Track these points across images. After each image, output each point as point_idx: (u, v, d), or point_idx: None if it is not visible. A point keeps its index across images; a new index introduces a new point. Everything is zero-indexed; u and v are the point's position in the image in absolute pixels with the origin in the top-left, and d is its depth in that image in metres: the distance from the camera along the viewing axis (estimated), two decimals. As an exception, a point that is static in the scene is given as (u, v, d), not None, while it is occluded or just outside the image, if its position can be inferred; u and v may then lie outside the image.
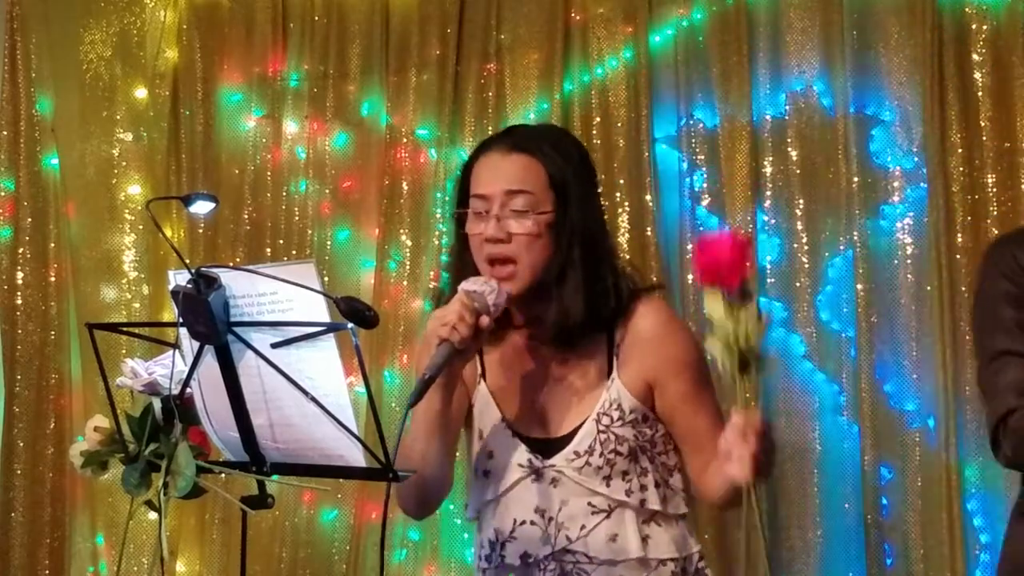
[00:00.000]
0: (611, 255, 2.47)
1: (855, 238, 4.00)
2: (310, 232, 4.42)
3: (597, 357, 2.46)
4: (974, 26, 3.99)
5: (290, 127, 4.48)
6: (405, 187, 4.38)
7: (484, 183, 2.44)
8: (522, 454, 2.46)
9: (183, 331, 2.33)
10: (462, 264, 2.48)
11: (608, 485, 2.43)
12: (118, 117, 4.54)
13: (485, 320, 2.35)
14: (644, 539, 2.44)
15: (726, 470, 2.23)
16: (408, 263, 4.35)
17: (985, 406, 2.62)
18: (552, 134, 2.60)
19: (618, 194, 4.16)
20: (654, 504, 2.44)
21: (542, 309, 2.44)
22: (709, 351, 2.21)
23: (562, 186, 2.42)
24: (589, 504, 2.43)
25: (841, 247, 4.05)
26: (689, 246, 4.11)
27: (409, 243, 4.35)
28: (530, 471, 2.46)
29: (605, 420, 2.43)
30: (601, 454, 2.42)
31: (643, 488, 2.44)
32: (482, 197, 2.43)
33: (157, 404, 2.43)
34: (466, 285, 2.37)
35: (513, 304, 2.44)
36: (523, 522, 2.45)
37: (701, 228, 4.14)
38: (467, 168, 2.49)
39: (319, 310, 2.21)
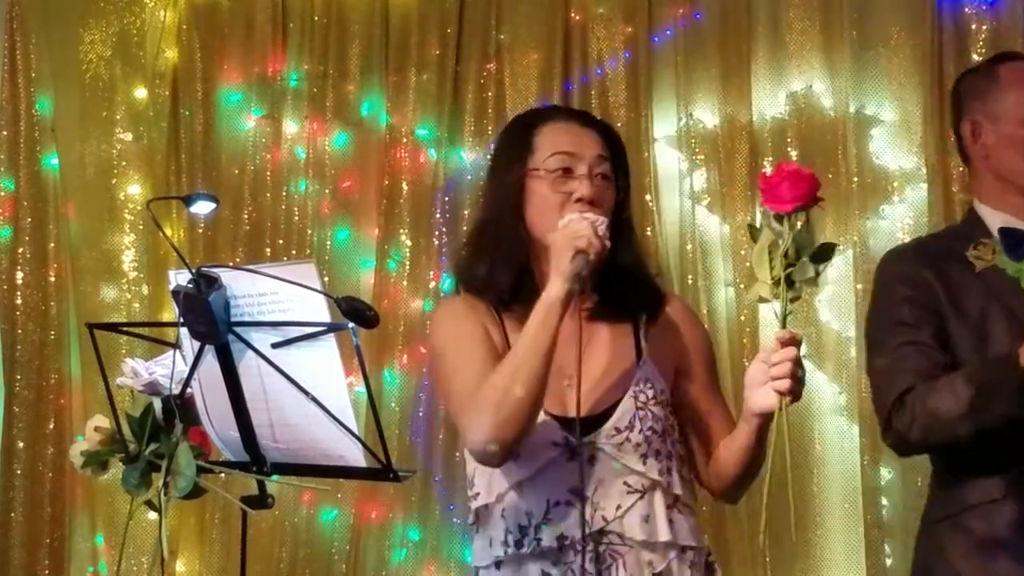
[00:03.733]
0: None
1: (855, 238, 4.00)
2: (310, 232, 4.42)
3: (624, 339, 2.47)
4: (974, 26, 3.99)
5: (290, 127, 4.48)
6: (405, 187, 4.38)
7: (572, 143, 2.43)
8: (555, 432, 2.39)
9: (183, 331, 2.33)
10: (516, 241, 2.43)
11: (644, 463, 2.40)
12: (118, 117, 4.54)
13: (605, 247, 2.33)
14: (671, 522, 2.42)
15: (754, 402, 2.27)
16: (408, 263, 4.34)
17: (877, 395, 2.72)
18: (610, 125, 2.64)
19: (618, 194, 4.16)
20: (676, 488, 2.43)
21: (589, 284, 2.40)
22: (753, 263, 2.22)
23: (623, 170, 2.49)
24: (625, 483, 2.39)
25: (841, 247, 4.05)
26: (689, 246, 4.11)
27: (409, 243, 4.35)
28: (564, 450, 2.40)
29: (642, 397, 2.42)
30: (640, 431, 2.40)
31: (670, 471, 2.44)
32: (570, 155, 2.41)
33: (157, 404, 2.43)
34: (574, 215, 2.34)
35: (541, 275, 2.43)
36: (557, 503, 2.39)
37: (701, 228, 4.14)
38: (530, 127, 2.48)
39: (319, 310, 2.22)
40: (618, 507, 2.39)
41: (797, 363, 2.22)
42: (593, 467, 2.39)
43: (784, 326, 2.21)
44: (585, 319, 2.43)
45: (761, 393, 2.26)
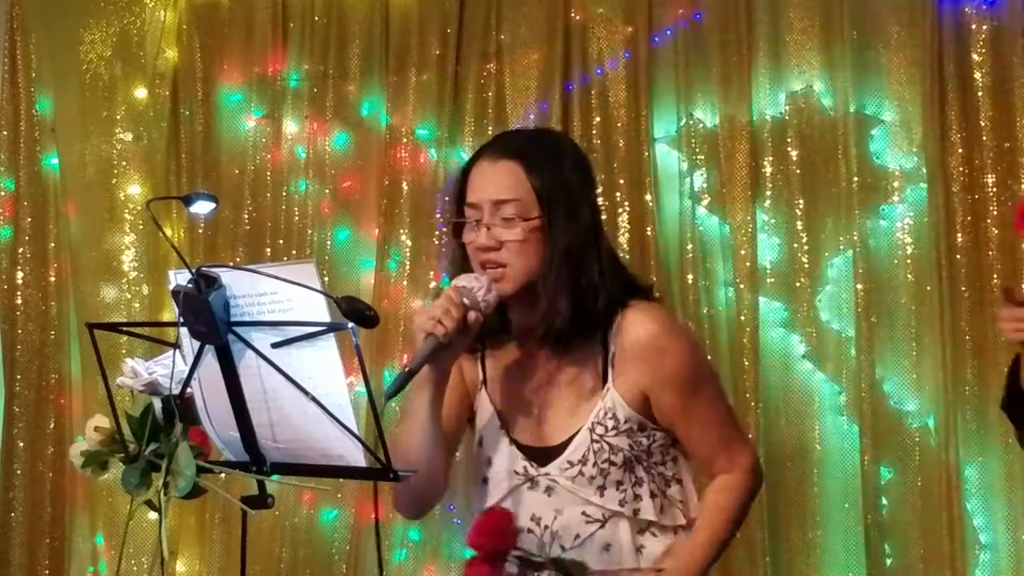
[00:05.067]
0: (601, 260, 2.46)
1: (855, 238, 4.00)
2: (310, 232, 4.42)
3: (592, 366, 2.46)
4: (974, 26, 3.98)
5: (290, 127, 4.48)
6: (405, 187, 4.38)
7: (474, 192, 2.47)
8: (518, 462, 2.47)
9: (183, 331, 2.33)
10: (463, 270, 2.49)
11: (602, 495, 2.43)
12: (118, 117, 4.54)
13: (473, 315, 2.37)
14: (638, 549, 2.44)
15: None
16: (408, 263, 4.34)
17: None
18: (542, 138, 2.64)
19: (618, 194, 4.16)
20: (648, 514, 2.44)
21: (535, 316, 2.45)
22: None
23: (547, 193, 2.43)
24: (583, 514, 2.44)
25: (841, 247, 4.04)
26: (689, 246, 4.11)
27: (409, 243, 4.35)
28: (525, 479, 2.47)
29: (599, 429, 2.43)
30: (595, 464, 2.42)
31: (637, 498, 2.44)
32: (473, 206, 2.46)
33: (157, 404, 2.43)
34: (457, 281, 2.39)
35: (509, 310, 2.46)
36: (520, 530, 2.45)
37: (701, 228, 4.14)
38: (462, 176, 2.51)
39: (319, 310, 2.22)
40: (576, 536, 2.43)
41: None
42: (551, 498, 2.44)
43: None
44: (551, 350, 2.47)
45: None
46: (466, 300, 2.36)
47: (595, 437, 2.42)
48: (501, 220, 2.42)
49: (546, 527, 2.44)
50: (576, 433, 2.44)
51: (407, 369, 2.30)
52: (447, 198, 4.33)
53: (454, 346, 2.37)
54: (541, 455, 2.46)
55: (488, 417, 2.51)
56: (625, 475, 2.43)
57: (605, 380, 2.45)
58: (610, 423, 2.43)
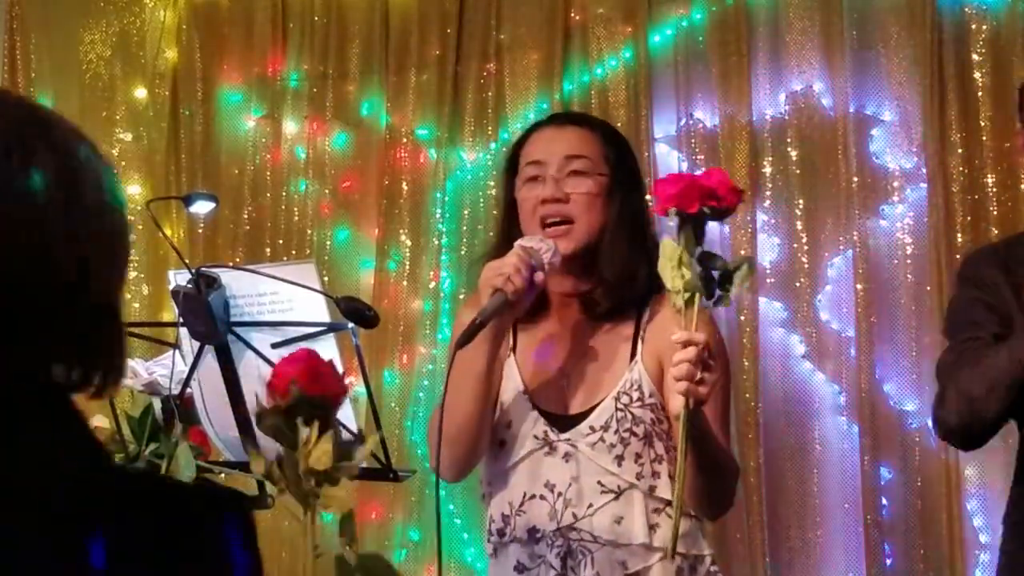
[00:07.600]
0: (653, 234, 2.53)
1: (855, 238, 4.00)
2: (310, 232, 4.42)
3: (625, 338, 2.48)
4: (974, 26, 3.98)
5: (290, 127, 4.48)
6: (405, 187, 4.38)
7: (540, 151, 2.50)
8: (538, 426, 2.46)
9: (183, 331, 2.33)
10: (508, 240, 2.48)
11: (619, 465, 2.42)
12: (118, 117, 4.54)
13: (540, 276, 2.37)
14: (651, 527, 2.42)
15: (669, 407, 2.25)
16: (408, 263, 4.35)
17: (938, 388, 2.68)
18: (600, 120, 2.77)
19: (618, 194, 4.17)
20: (665, 493, 2.43)
21: (587, 280, 2.48)
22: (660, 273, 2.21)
23: (615, 159, 2.50)
24: (599, 483, 2.42)
25: (841, 247, 4.05)
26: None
27: (409, 243, 4.35)
28: (544, 444, 2.45)
29: (624, 399, 2.43)
30: (616, 431, 2.42)
31: (655, 475, 2.43)
32: (537, 163, 2.48)
33: (157, 404, 2.43)
34: (523, 241, 2.40)
35: (563, 270, 2.45)
36: (532, 496, 2.45)
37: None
38: (518, 145, 2.56)
39: (319, 310, 2.22)
40: (590, 505, 2.42)
41: (696, 364, 2.18)
42: (568, 464, 2.44)
43: (690, 327, 2.19)
44: (588, 316, 2.49)
45: (672, 397, 2.23)
46: (533, 261, 2.37)
47: (619, 406, 2.43)
48: (570, 173, 2.46)
49: (559, 494, 2.43)
50: (602, 400, 2.44)
51: (477, 320, 2.29)
52: (447, 198, 4.34)
53: (517, 305, 2.37)
54: (563, 422, 2.46)
55: (512, 381, 2.51)
56: (645, 448, 2.43)
57: (635, 352, 2.46)
58: (635, 394, 2.43)
